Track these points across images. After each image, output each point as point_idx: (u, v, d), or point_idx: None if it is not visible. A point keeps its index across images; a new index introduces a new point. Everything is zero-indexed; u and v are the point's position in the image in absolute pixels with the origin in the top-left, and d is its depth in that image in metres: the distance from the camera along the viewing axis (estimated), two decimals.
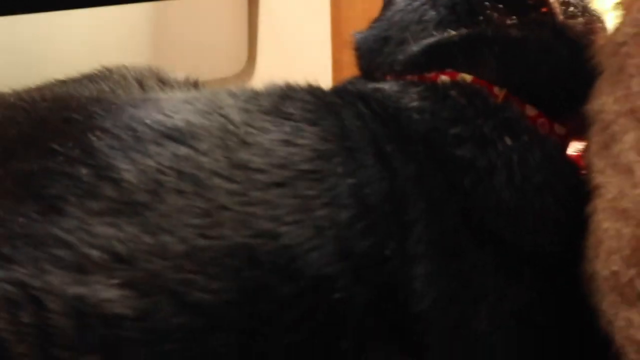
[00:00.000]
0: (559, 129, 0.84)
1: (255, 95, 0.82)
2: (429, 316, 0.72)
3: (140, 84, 0.94)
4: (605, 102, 0.73)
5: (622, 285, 0.68)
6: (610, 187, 0.71)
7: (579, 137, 0.83)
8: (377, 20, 0.93)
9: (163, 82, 0.95)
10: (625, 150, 0.69)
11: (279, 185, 0.72)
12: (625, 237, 0.68)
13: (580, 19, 0.85)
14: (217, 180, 0.72)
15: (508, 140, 0.78)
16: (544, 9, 0.84)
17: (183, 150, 0.73)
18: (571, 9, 0.85)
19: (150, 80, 0.95)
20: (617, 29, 0.73)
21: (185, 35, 1.41)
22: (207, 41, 1.44)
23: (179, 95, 0.86)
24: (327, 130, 0.77)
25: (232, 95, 0.82)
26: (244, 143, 0.75)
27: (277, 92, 0.82)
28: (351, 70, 0.96)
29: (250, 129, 0.76)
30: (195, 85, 0.97)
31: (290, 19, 1.47)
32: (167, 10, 1.39)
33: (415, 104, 0.80)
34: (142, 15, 1.38)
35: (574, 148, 0.85)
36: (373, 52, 0.89)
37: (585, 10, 0.86)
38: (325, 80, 1.42)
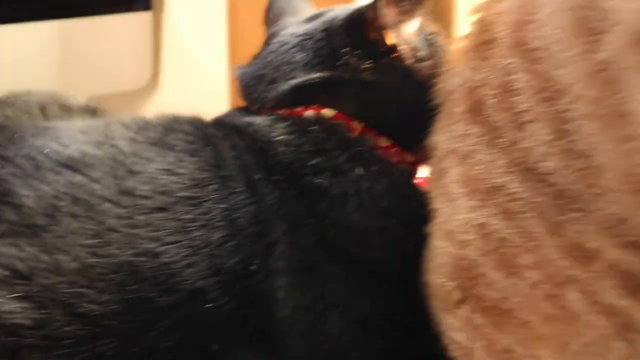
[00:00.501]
0: (409, 157, 0.97)
1: (144, 126, 0.93)
2: (289, 322, 0.84)
3: (43, 110, 1.03)
4: (439, 139, 0.86)
5: (445, 294, 0.82)
6: (441, 212, 0.84)
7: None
8: (255, 57, 1.04)
9: (64, 108, 1.05)
10: (451, 183, 0.82)
11: (160, 210, 0.83)
12: (449, 255, 0.81)
13: (428, 62, 0.97)
14: (106, 205, 0.82)
15: (360, 170, 0.90)
16: (395, 55, 0.97)
17: (77, 178, 0.84)
18: (421, 53, 0.97)
19: (53, 107, 1.04)
20: (450, 78, 0.86)
21: (93, 51, 1.50)
22: (115, 57, 1.53)
23: (77, 124, 0.96)
24: (204, 160, 0.88)
25: (125, 125, 0.92)
26: (132, 172, 0.85)
27: (163, 124, 0.93)
28: None
29: (137, 159, 0.87)
30: (94, 111, 1.07)
31: (191, 37, 1.57)
32: (76, 27, 1.48)
33: (281, 137, 0.91)
34: (51, 31, 1.46)
35: (424, 173, 0.98)
36: (250, 88, 1.01)
37: (434, 55, 0.98)
38: (222, 92, 1.53)
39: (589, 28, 0.68)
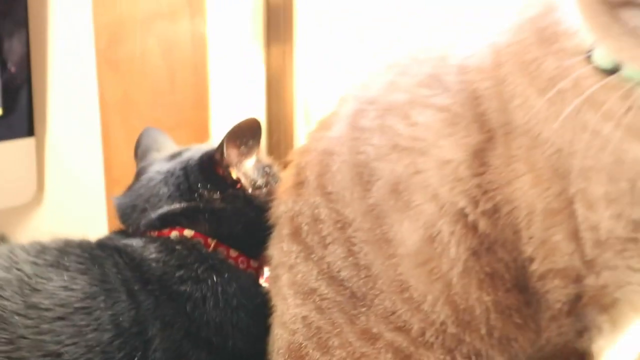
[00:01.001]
0: (254, 263, 1.24)
1: (42, 250, 1.16)
2: None
3: None
4: (272, 253, 1.14)
5: None
6: (278, 308, 1.12)
7: None
8: (129, 189, 1.30)
9: None
10: (283, 286, 1.10)
11: (61, 319, 1.07)
12: (284, 340, 1.09)
13: (264, 190, 1.26)
14: (17, 318, 1.05)
15: (215, 278, 1.17)
16: (238, 186, 1.25)
17: None
18: (258, 183, 1.26)
19: None
20: (278, 206, 1.15)
21: None
22: (2, 177, 1.75)
23: None
24: (93, 277, 1.13)
25: (25, 250, 1.16)
26: (35, 290, 1.09)
27: (58, 248, 1.17)
28: None
29: (39, 279, 1.10)
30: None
31: (71, 158, 1.81)
32: None
33: (153, 255, 1.17)
34: None
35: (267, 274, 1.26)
36: (125, 215, 1.26)
37: (269, 183, 1.27)
38: (100, 204, 1.77)
39: (364, 180, 0.99)
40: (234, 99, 1.78)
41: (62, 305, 1.08)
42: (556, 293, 0.94)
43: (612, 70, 0.85)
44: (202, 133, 1.66)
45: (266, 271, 1.26)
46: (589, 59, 0.86)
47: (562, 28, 0.88)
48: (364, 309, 1.00)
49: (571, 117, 0.87)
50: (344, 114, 1.06)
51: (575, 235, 0.91)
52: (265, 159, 1.32)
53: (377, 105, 1.02)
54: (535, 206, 0.91)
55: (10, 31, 1.72)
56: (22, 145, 1.76)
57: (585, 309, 0.95)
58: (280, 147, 1.69)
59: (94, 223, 1.26)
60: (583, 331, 0.97)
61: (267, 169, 1.29)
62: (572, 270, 0.93)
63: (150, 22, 1.66)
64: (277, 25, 1.84)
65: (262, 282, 1.25)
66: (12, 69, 1.73)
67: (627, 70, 0.84)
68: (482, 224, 0.94)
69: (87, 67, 1.68)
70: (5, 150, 1.74)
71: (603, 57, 0.85)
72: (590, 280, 0.92)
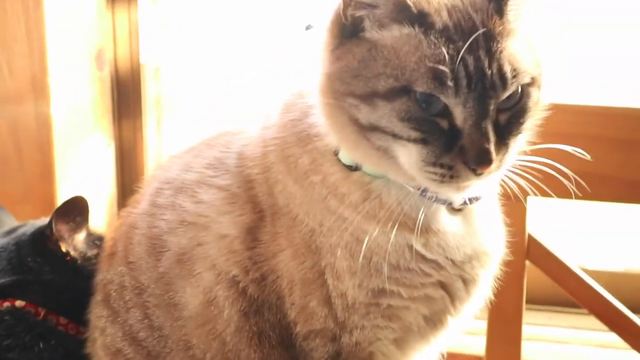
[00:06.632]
0: (82, 329, 1.35)
1: None
2: None
3: None
4: (90, 317, 1.25)
5: None
6: None
7: None
8: None
9: None
10: (98, 347, 1.21)
11: None
12: None
13: (94, 261, 1.37)
14: None
15: (42, 344, 1.28)
16: (68, 258, 1.37)
17: None
18: (88, 254, 1.38)
19: None
20: (97, 275, 1.26)
21: None
22: None
23: None
24: None
25: None
26: None
27: None
28: None
29: None
30: None
31: None
32: None
33: None
34: None
35: None
36: None
37: (98, 255, 1.38)
38: None
39: (156, 251, 1.12)
40: (81, 173, 1.90)
41: None
42: (318, 351, 1.09)
43: (353, 167, 1.04)
44: (49, 206, 1.76)
45: None
46: (335, 157, 1.05)
47: (315, 131, 1.06)
48: None
49: (320, 203, 1.04)
50: (147, 192, 1.20)
51: (327, 301, 1.07)
52: (97, 231, 1.44)
53: (171, 185, 1.16)
54: (294, 276, 1.07)
55: None
56: None
57: None
58: None
59: None
60: None
61: (97, 242, 1.41)
62: (328, 331, 1.08)
63: None
64: (127, 101, 1.98)
65: None
66: None
67: (366, 169, 1.03)
68: (251, 290, 1.09)
69: None
70: None
71: (346, 157, 1.04)
72: (345, 339, 1.08)
